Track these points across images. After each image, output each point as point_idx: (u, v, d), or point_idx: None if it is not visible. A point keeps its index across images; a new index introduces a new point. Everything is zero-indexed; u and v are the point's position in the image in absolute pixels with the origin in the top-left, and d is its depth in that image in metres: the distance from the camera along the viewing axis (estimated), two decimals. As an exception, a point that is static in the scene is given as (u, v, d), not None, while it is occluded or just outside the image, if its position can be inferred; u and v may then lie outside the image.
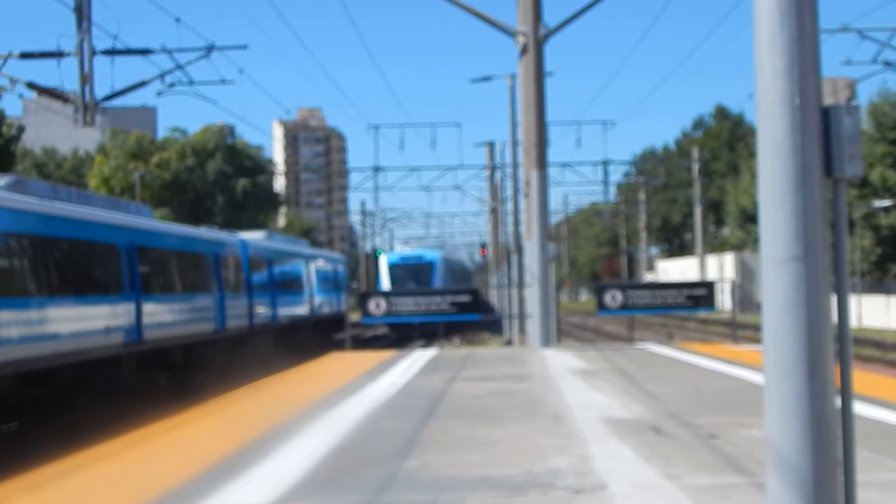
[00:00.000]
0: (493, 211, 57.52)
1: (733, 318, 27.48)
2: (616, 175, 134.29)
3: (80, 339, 18.07)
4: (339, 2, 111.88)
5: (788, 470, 4.48)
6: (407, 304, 22.03)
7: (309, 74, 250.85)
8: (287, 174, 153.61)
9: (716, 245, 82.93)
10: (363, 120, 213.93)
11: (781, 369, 4.53)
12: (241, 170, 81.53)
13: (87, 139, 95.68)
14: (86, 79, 22.21)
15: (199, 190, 78.78)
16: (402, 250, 54.97)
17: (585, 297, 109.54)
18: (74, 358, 17.67)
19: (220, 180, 79.96)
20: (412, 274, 49.00)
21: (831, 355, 4.56)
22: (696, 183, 71.84)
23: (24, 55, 23.61)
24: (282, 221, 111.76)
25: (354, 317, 30.04)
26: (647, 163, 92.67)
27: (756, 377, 13.20)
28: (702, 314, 44.02)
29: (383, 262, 50.38)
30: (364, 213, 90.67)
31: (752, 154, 66.57)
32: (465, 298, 22.16)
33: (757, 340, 26.28)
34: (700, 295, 21.92)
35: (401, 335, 44.57)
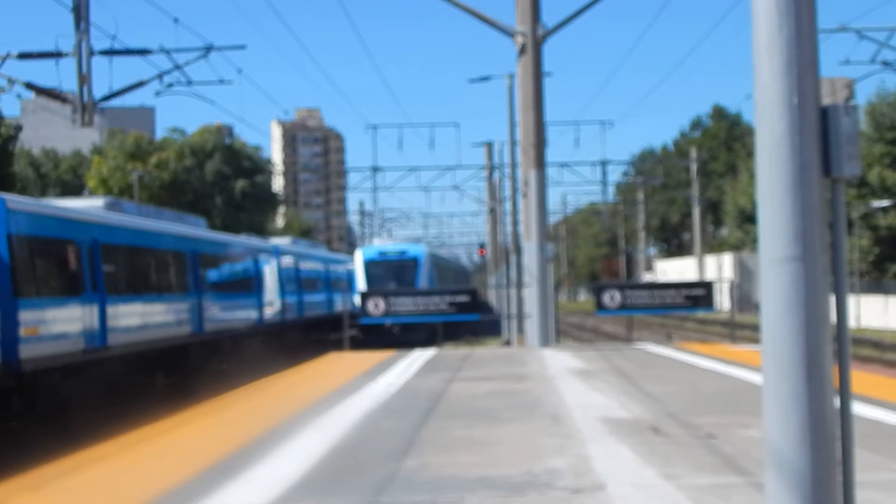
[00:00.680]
0: (492, 211, 57.52)
1: (732, 318, 27.48)
2: (614, 175, 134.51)
3: (162, 329, 23.11)
4: (337, 2, 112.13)
5: (787, 470, 4.48)
6: (405, 304, 22.02)
7: (307, 74, 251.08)
8: (285, 174, 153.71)
9: (714, 245, 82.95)
10: (362, 120, 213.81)
11: (780, 369, 4.53)
12: (239, 170, 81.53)
13: (85, 139, 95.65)
14: (84, 79, 22.21)
15: (197, 190, 78.75)
16: (382, 244, 46.14)
17: (584, 297, 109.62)
18: (166, 343, 23.21)
19: (219, 181, 79.95)
20: (393, 272, 42.11)
21: (830, 355, 4.56)
22: (694, 183, 71.86)
23: (23, 55, 23.60)
24: (280, 222, 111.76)
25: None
26: (645, 163, 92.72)
27: (755, 377, 13.21)
28: (700, 314, 44.03)
29: (358, 259, 43.19)
30: (362, 213, 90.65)
31: (750, 154, 66.63)
32: (463, 298, 22.14)
33: (755, 340, 26.30)
34: (698, 295, 21.91)
35: (387, 341, 37.40)
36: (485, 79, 43.77)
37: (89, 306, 18.86)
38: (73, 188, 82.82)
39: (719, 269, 67.86)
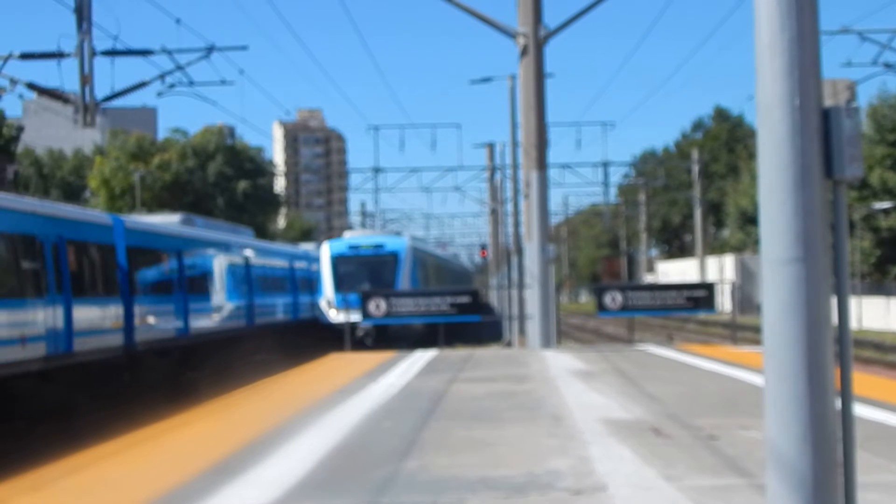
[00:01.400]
0: (493, 212, 57.52)
1: (733, 319, 27.47)
2: (616, 176, 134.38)
3: (233, 321, 29.78)
4: (339, 3, 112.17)
5: (788, 471, 4.48)
6: (406, 305, 21.97)
7: (309, 75, 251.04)
8: (287, 175, 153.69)
9: (716, 246, 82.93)
10: (363, 121, 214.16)
11: (781, 371, 4.53)
12: (241, 171, 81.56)
13: (87, 140, 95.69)
14: (86, 79, 22.20)
15: (199, 191, 78.78)
16: (354, 236, 38.29)
17: (585, 298, 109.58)
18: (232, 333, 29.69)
19: (221, 182, 79.98)
20: (367, 269, 34.88)
21: (831, 357, 4.56)
22: (695, 184, 71.87)
23: (25, 56, 23.60)
24: (282, 223, 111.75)
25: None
26: (646, 164, 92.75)
27: (756, 379, 13.20)
28: (702, 316, 44.00)
29: (324, 254, 35.61)
30: (364, 214, 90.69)
31: (751, 155, 66.61)
32: (464, 299, 22.06)
33: (757, 342, 26.27)
34: (700, 296, 21.90)
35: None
36: (486, 80, 43.78)
37: (181, 303, 25.18)
38: (76, 189, 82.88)
39: (721, 270, 67.82)
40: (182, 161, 78.62)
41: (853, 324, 39.87)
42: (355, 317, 26.90)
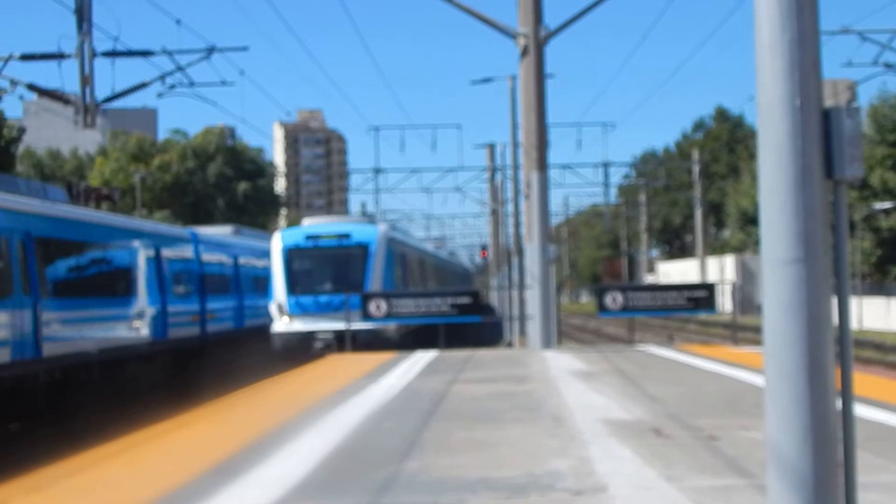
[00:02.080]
0: (494, 213, 57.53)
1: (734, 320, 27.46)
2: (616, 177, 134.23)
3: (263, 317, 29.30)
4: (339, 3, 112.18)
5: (789, 472, 4.48)
6: (407, 306, 21.92)
7: (309, 76, 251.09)
8: (287, 176, 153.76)
9: (716, 247, 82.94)
10: (364, 121, 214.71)
11: (782, 371, 4.53)
12: (241, 172, 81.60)
13: (88, 141, 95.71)
14: (86, 80, 22.21)
15: (199, 192, 78.81)
16: (313, 223, 30.74)
17: (586, 298, 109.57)
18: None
19: (221, 183, 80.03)
20: (328, 265, 28.48)
21: (832, 357, 4.56)
22: (696, 185, 71.87)
23: (25, 57, 23.60)
24: (282, 223, 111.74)
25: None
26: (647, 165, 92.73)
27: (757, 379, 13.20)
28: (702, 316, 44.00)
29: (276, 247, 28.30)
30: (365, 214, 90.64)
31: (752, 156, 66.60)
32: (465, 300, 22.02)
33: (757, 342, 26.22)
34: (700, 297, 21.88)
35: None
36: (487, 80, 43.83)
37: (238, 300, 31.03)
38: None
39: (721, 270, 67.82)
40: (182, 162, 78.67)
41: (854, 324, 39.85)
42: (313, 325, 25.53)
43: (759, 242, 4.76)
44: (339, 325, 24.67)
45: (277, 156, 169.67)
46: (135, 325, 23.21)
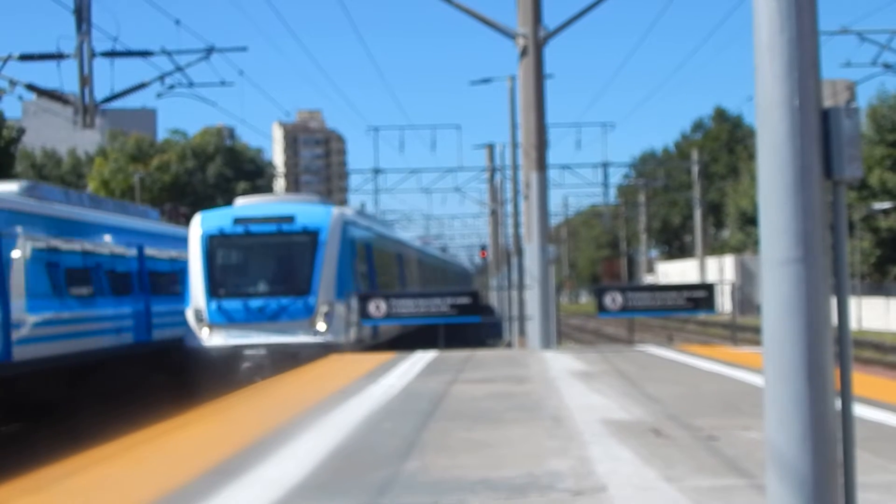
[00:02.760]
0: (493, 213, 57.57)
1: (733, 320, 27.47)
2: (616, 177, 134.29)
3: None
4: (338, 4, 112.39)
5: (788, 472, 4.48)
6: (406, 306, 21.80)
7: (308, 76, 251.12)
8: (287, 176, 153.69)
9: (715, 247, 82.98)
10: (363, 122, 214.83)
11: (781, 371, 4.53)
12: (240, 172, 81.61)
13: (87, 141, 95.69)
14: (85, 81, 22.22)
15: (198, 193, 78.80)
16: (246, 203, 24.43)
17: (585, 299, 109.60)
18: None
19: (220, 183, 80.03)
20: (264, 259, 22.58)
21: (831, 357, 4.56)
22: (695, 185, 71.89)
23: (24, 57, 23.62)
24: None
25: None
26: (646, 165, 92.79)
27: (756, 379, 13.20)
28: (702, 316, 44.02)
29: (194, 234, 22.28)
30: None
31: (751, 156, 66.62)
32: (465, 300, 21.95)
33: (757, 343, 26.27)
34: (700, 297, 21.89)
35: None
36: (486, 81, 43.88)
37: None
38: (75, 190, 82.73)
39: (720, 271, 67.84)
40: (181, 162, 78.66)
41: (853, 324, 39.85)
42: (241, 338, 20.69)
43: (758, 243, 4.76)
44: (277, 339, 20.65)
45: (277, 156, 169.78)
46: None
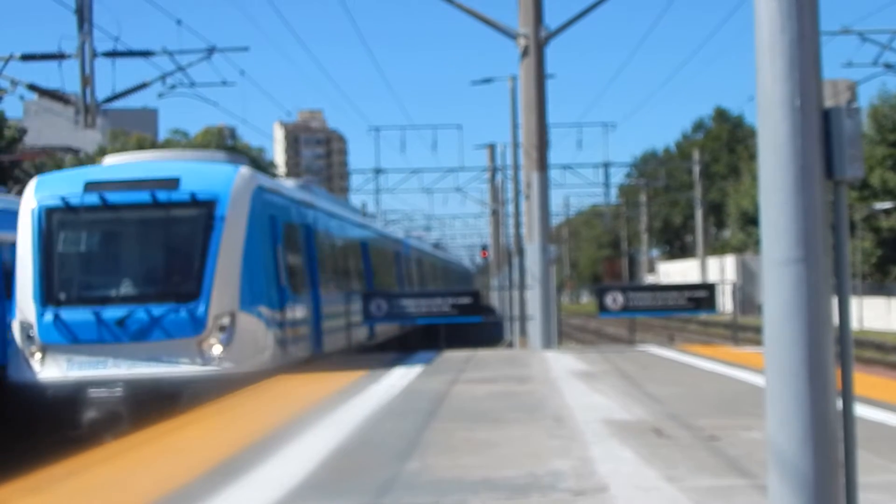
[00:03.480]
0: (494, 213, 57.56)
1: (734, 320, 27.43)
2: (617, 177, 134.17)
3: None
4: (340, 4, 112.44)
5: (790, 472, 4.48)
6: (406, 306, 21.64)
7: (310, 76, 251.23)
8: (288, 176, 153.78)
9: (717, 247, 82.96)
10: (364, 122, 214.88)
11: (783, 371, 4.53)
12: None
13: (88, 141, 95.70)
14: (87, 81, 22.22)
15: (199, 192, 78.77)
16: (113, 162, 15.79)
17: (587, 299, 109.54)
18: None
19: (221, 182, 79.97)
20: (130, 244, 15.21)
21: (832, 357, 4.56)
22: (696, 185, 71.89)
23: (25, 57, 23.62)
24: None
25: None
26: (647, 165, 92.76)
27: (757, 379, 13.20)
28: (703, 316, 44.00)
29: (26, 207, 14.43)
30: (365, 215, 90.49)
31: (752, 156, 66.57)
32: (466, 300, 21.83)
33: (758, 342, 26.20)
34: (701, 297, 21.86)
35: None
36: (487, 81, 43.86)
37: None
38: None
39: (722, 271, 67.80)
40: (183, 162, 78.58)
41: (854, 324, 39.77)
42: (90, 368, 13.56)
43: (759, 242, 4.76)
44: (144, 369, 13.69)
45: (278, 156, 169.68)
46: None
